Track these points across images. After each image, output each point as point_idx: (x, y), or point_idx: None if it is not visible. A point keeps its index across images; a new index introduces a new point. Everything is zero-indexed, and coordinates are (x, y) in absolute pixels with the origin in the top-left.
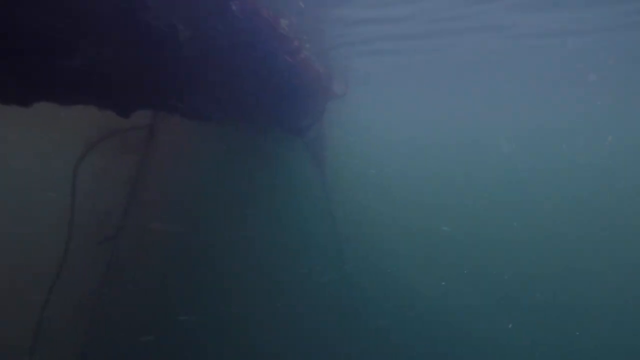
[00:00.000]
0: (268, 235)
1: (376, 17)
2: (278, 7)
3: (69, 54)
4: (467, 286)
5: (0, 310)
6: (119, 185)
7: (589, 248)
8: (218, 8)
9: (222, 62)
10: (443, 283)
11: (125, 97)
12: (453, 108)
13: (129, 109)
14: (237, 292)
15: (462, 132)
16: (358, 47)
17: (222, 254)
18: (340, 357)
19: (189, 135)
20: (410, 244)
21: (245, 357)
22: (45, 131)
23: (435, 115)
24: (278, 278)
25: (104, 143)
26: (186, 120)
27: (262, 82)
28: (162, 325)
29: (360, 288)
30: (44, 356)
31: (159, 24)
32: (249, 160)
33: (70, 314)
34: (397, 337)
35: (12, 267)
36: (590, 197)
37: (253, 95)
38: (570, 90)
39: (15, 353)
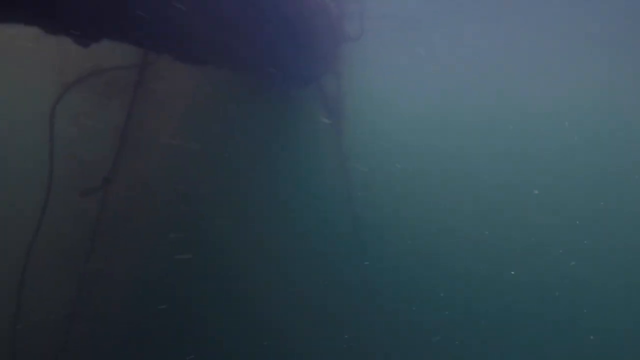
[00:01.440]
0: (270, 196)
1: None
2: None
3: None
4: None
5: None
6: (105, 132)
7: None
8: None
9: None
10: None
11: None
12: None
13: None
14: (241, 262)
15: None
16: None
17: (221, 219)
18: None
19: (182, 80)
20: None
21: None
22: (12, 68)
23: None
24: (285, 263)
25: (84, 84)
26: (179, 63)
27: (261, 18)
28: (157, 286)
29: (377, 273)
30: (28, 317)
31: None
32: (254, 115)
33: (54, 271)
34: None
35: None
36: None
37: (253, 33)
38: None
39: None
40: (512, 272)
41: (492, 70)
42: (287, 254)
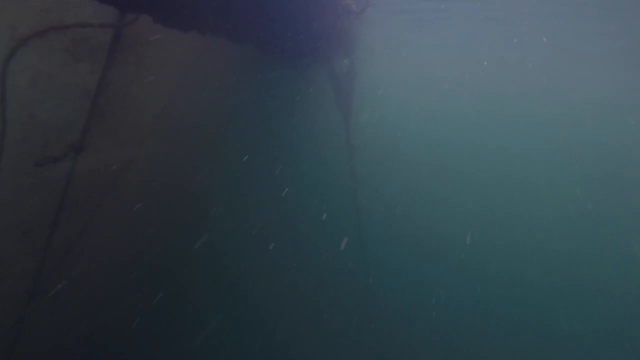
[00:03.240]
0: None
1: None
2: None
3: None
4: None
5: None
6: (72, 97)
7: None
8: None
9: None
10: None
11: None
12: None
13: None
14: (236, 255)
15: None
16: None
17: (214, 202)
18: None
19: (171, 46)
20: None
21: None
22: None
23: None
24: (284, 257)
25: (46, 40)
26: (159, 26)
27: None
28: (133, 268)
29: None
30: None
31: None
32: (254, 90)
33: (10, 243)
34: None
35: None
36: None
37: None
38: None
39: None
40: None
41: (503, 64)
42: (286, 243)
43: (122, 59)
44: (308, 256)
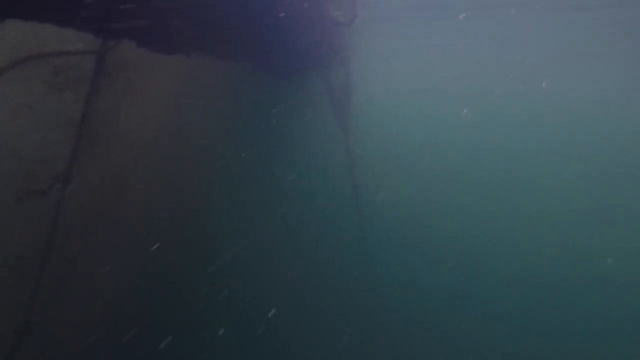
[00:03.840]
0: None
1: None
2: None
3: None
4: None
5: None
6: (56, 127)
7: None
8: None
9: None
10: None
11: None
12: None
13: None
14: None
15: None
16: None
17: (211, 224)
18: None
19: (157, 69)
20: (451, 225)
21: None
22: None
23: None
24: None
25: (23, 72)
26: (145, 51)
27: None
28: (131, 301)
29: (381, 271)
30: None
31: None
32: (246, 109)
33: None
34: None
35: None
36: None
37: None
38: None
39: None
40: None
41: (500, 66)
42: (288, 255)
43: (108, 84)
44: (312, 270)
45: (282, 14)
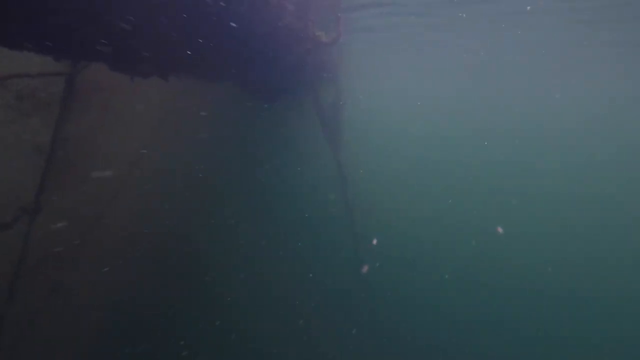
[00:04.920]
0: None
1: None
2: None
3: None
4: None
5: None
6: (22, 155)
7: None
8: None
9: None
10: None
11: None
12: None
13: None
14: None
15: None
16: None
17: (177, 247)
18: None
19: (134, 92)
20: (437, 235)
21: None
22: None
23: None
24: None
25: None
26: (116, 74)
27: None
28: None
29: (373, 286)
30: None
31: None
32: (229, 132)
33: None
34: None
35: None
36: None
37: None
38: None
39: None
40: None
41: (490, 77)
42: (280, 267)
43: (81, 108)
44: (303, 286)
45: (263, 34)
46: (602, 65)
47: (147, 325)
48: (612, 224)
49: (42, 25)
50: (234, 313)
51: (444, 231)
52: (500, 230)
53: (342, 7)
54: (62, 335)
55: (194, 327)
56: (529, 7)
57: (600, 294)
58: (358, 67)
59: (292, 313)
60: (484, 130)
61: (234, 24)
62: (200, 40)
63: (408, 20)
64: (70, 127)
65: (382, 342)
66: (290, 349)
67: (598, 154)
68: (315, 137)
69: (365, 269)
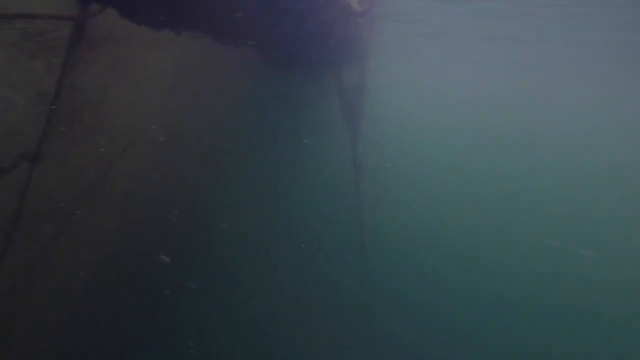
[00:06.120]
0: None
1: None
2: None
3: None
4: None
5: None
6: (24, 100)
7: None
8: None
9: None
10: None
11: None
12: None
13: None
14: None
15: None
16: None
17: (204, 218)
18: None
19: (147, 46)
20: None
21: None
22: None
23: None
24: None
25: None
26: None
27: None
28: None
29: (381, 286)
30: None
31: None
32: (247, 98)
33: None
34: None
35: None
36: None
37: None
38: None
39: None
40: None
41: (516, 78)
42: (288, 251)
43: (92, 58)
44: (308, 270)
45: None
46: None
47: (143, 286)
48: None
49: None
50: (236, 281)
51: (464, 233)
52: (587, 252)
53: None
54: (56, 290)
55: (196, 291)
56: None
57: None
58: (389, 48)
59: (297, 305)
60: (526, 130)
61: None
62: None
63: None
64: (78, 76)
65: (393, 344)
66: (299, 348)
67: None
68: (333, 119)
69: (372, 268)
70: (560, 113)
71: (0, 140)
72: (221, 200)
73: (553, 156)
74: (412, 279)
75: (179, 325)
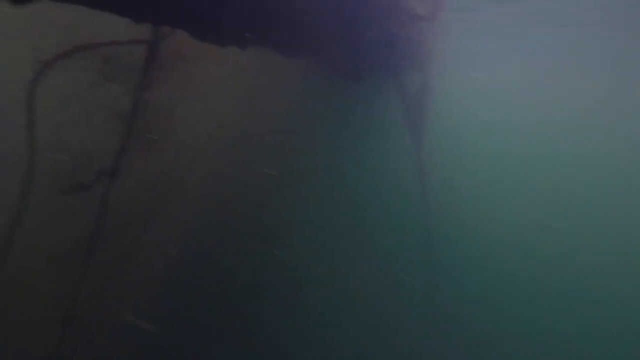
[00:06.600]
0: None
1: None
2: None
3: None
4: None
5: None
6: (104, 120)
7: None
8: None
9: None
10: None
11: None
12: None
13: None
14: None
15: None
16: None
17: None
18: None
19: (215, 61)
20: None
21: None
22: None
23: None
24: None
25: (75, 61)
26: (198, 43)
27: None
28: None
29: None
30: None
31: None
32: (310, 108)
33: (43, 272)
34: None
35: None
36: None
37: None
38: None
39: None
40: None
41: (583, 74)
42: (354, 255)
43: (163, 77)
44: (375, 277)
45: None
46: None
47: (219, 291)
48: None
49: None
50: (310, 288)
51: (535, 237)
52: None
53: None
54: (137, 294)
55: (269, 291)
56: None
57: None
58: (455, 48)
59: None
60: (598, 127)
61: None
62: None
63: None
64: (151, 94)
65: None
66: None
67: None
68: (396, 124)
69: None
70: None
71: (83, 157)
72: (289, 211)
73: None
74: (485, 282)
75: (253, 326)
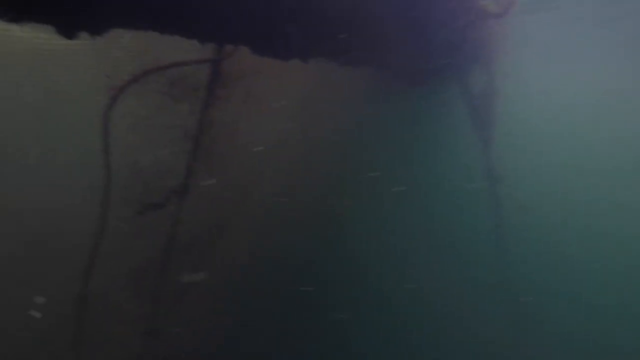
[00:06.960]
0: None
1: None
2: None
3: None
4: None
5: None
6: (172, 140)
7: None
8: None
9: None
10: None
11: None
12: None
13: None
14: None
15: None
16: None
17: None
18: None
19: (274, 77)
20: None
21: None
22: (57, 69)
23: None
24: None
25: (143, 85)
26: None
27: None
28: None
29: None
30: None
31: None
32: (372, 119)
33: (121, 288)
34: None
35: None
36: None
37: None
38: None
39: None
40: None
41: None
42: (428, 255)
43: (226, 95)
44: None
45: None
46: None
47: (292, 300)
48: None
49: (191, 8)
50: (385, 291)
51: (612, 249)
52: None
53: None
54: (209, 310)
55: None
56: None
57: None
58: (526, 46)
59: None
60: None
61: None
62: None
63: None
64: (215, 113)
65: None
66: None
67: None
68: (462, 129)
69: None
70: None
71: (156, 177)
72: (354, 219)
73: None
74: (560, 277)
75: (323, 329)
